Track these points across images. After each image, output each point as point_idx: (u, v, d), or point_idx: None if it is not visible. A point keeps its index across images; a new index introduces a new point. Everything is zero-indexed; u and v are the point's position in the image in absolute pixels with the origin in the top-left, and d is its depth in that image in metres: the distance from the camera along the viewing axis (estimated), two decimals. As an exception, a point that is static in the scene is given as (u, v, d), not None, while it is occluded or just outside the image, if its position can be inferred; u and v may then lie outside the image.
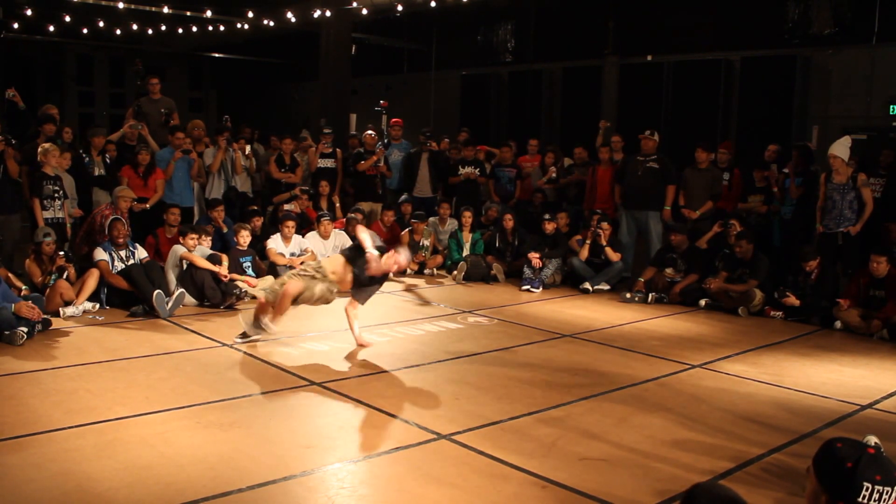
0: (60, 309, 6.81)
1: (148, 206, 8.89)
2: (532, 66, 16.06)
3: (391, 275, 9.44)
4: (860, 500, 1.92)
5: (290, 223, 8.66)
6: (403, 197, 10.80)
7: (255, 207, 9.52)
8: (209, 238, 7.96)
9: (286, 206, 9.69)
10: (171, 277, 7.58)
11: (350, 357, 5.97)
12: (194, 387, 5.09)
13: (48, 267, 7.09)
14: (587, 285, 8.91)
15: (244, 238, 8.24)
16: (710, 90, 13.21)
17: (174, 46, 20.90)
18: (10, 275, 6.82)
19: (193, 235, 7.76)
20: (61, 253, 7.18)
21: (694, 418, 4.76)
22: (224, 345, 6.20)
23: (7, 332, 5.89)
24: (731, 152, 9.99)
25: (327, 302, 6.14)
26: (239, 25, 17.19)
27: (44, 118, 9.10)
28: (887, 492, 1.93)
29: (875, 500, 1.92)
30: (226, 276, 7.67)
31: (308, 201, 10.12)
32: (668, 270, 8.55)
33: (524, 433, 4.41)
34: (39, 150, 8.02)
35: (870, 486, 1.93)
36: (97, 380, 5.18)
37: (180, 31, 18.19)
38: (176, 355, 5.87)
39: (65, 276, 7.08)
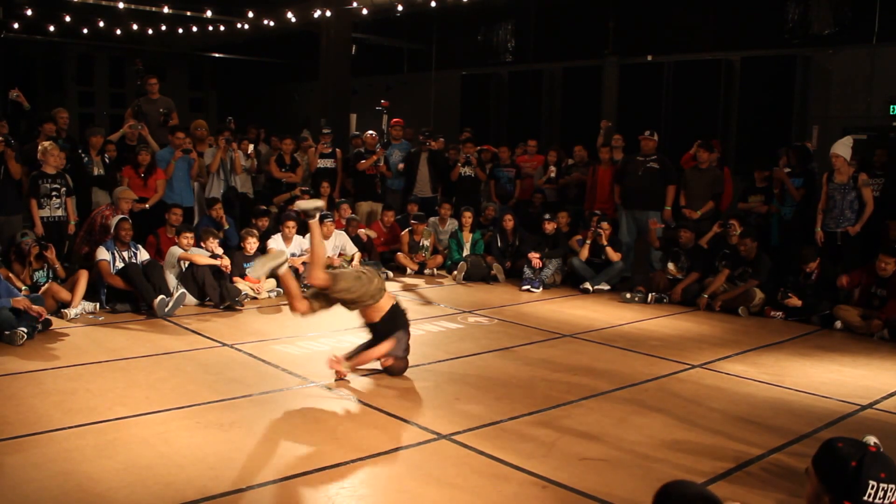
0: (63, 311, 6.82)
1: (148, 206, 8.89)
2: (532, 66, 16.06)
3: (390, 274, 9.55)
4: (866, 498, 1.93)
5: (291, 224, 8.67)
6: (412, 197, 10.79)
7: (264, 207, 9.52)
8: (216, 240, 7.94)
9: (295, 207, 9.67)
10: (171, 278, 7.57)
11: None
12: (194, 387, 5.09)
13: (32, 265, 7.07)
14: (587, 285, 8.91)
15: (251, 245, 8.22)
16: (710, 90, 13.21)
17: (174, 46, 20.90)
18: (10, 275, 6.83)
19: (188, 234, 7.76)
20: (43, 251, 7.11)
21: (694, 418, 4.76)
22: (224, 345, 6.20)
23: (7, 332, 5.89)
24: (719, 150, 10.01)
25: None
26: (239, 25, 17.19)
27: (44, 117, 9.10)
28: (891, 489, 1.94)
29: (880, 498, 1.93)
30: (227, 268, 7.67)
31: (309, 201, 10.11)
32: (671, 266, 8.55)
33: (524, 433, 4.41)
34: (39, 148, 8.02)
35: (875, 483, 1.93)
36: (97, 380, 5.18)
37: (180, 31, 18.19)
38: (176, 355, 5.86)
39: (52, 275, 7.09)
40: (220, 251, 7.90)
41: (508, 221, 9.81)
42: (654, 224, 9.03)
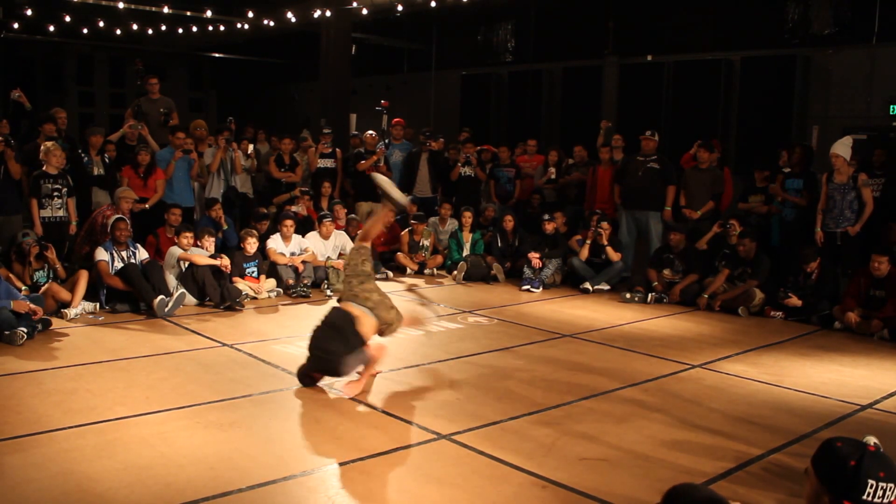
0: (63, 311, 6.82)
1: (148, 206, 8.89)
2: (532, 66, 16.06)
3: (390, 274, 9.55)
4: (865, 497, 1.93)
5: (289, 222, 8.67)
6: (409, 197, 10.78)
7: (265, 210, 9.51)
8: (213, 239, 7.95)
9: (293, 208, 9.68)
10: (171, 278, 7.58)
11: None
12: (194, 387, 5.09)
13: (32, 265, 7.07)
14: (587, 285, 8.91)
15: (251, 245, 8.21)
16: (710, 90, 13.20)
17: (174, 46, 20.89)
18: (10, 275, 6.83)
19: (188, 234, 7.75)
20: (45, 252, 7.09)
21: (694, 418, 4.76)
22: (224, 345, 6.20)
23: (7, 332, 5.89)
24: (719, 150, 10.00)
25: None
26: (239, 25, 17.19)
27: (44, 118, 9.10)
28: (890, 488, 1.94)
29: (879, 497, 1.93)
30: (227, 268, 7.66)
31: (308, 201, 10.13)
32: (666, 272, 8.55)
33: (524, 433, 4.41)
34: (42, 148, 8.02)
35: (874, 482, 1.93)
36: (97, 380, 5.18)
37: (180, 31, 18.18)
38: (176, 355, 5.87)
39: (52, 275, 7.09)
40: (212, 250, 7.88)
41: (508, 222, 9.81)
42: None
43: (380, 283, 8.98)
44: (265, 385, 5.19)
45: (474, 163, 10.85)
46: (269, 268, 8.38)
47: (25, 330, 5.97)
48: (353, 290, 5.27)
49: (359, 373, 5.12)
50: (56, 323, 6.58)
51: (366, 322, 5.13)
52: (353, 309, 5.15)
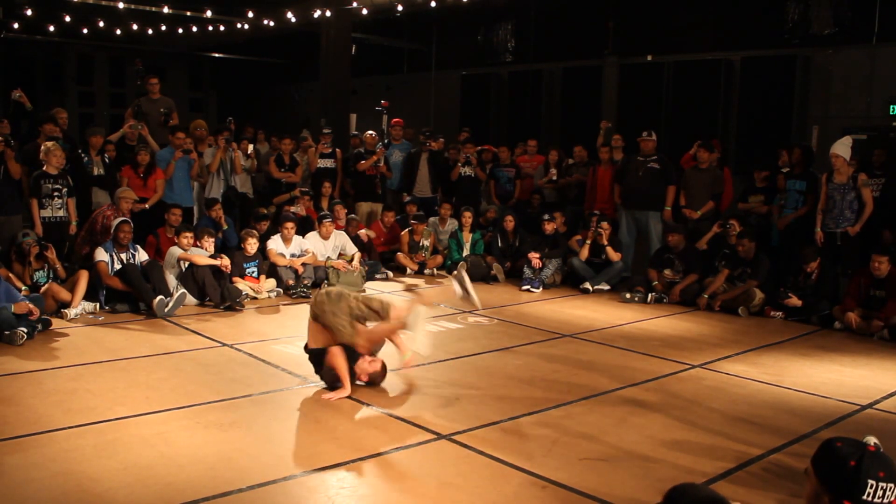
0: (63, 311, 6.82)
1: (147, 206, 8.89)
2: (532, 66, 16.06)
3: (390, 274, 9.57)
4: (865, 497, 1.93)
5: (290, 224, 8.67)
6: (409, 198, 10.80)
7: (265, 211, 9.51)
8: (212, 239, 7.95)
9: (293, 208, 9.69)
10: (171, 278, 7.57)
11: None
12: (194, 387, 5.09)
13: (32, 265, 7.06)
14: (587, 285, 8.91)
15: (251, 245, 8.20)
16: (710, 90, 13.20)
17: (174, 46, 20.89)
18: (10, 275, 6.83)
19: (188, 234, 7.75)
20: (45, 252, 7.08)
21: (694, 418, 4.76)
22: (224, 345, 6.20)
23: (7, 332, 5.90)
24: (719, 150, 10.00)
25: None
26: (239, 25, 17.18)
27: (45, 118, 9.10)
28: (890, 488, 1.94)
29: (879, 497, 1.93)
30: (227, 267, 7.66)
31: (309, 201, 10.13)
32: (667, 272, 8.55)
33: (524, 433, 4.41)
34: (42, 148, 8.02)
35: (874, 483, 1.93)
36: (97, 380, 5.18)
37: (180, 31, 18.17)
38: (176, 355, 5.87)
39: (52, 275, 7.09)
40: (212, 250, 7.88)
41: (509, 222, 9.82)
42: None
43: (380, 284, 9.08)
44: (265, 385, 5.19)
45: (474, 163, 10.86)
46: (270, 268, 8.38)
47: (25, 330, 5.97)
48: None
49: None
50: (56, 323, 6.58)
51: (314, 333, 5.15)
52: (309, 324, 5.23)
